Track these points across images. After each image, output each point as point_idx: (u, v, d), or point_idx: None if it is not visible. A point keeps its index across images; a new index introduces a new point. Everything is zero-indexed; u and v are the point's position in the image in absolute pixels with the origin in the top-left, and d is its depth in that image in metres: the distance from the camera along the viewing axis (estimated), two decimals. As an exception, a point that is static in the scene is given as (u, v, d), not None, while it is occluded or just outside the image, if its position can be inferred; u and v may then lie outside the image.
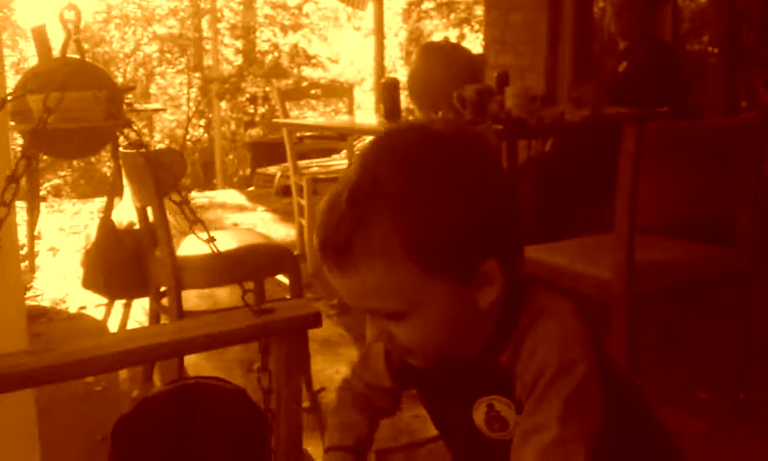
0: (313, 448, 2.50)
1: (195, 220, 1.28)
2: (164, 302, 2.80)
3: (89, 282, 3.26)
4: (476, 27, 11.38)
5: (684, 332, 3.08)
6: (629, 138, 2.17)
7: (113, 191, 3.30)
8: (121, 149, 2.88)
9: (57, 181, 11.26)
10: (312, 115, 11.02)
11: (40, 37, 3.94)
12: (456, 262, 0.94)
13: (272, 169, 7.65)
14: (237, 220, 6.12)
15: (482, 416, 1.05)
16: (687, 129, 2.42)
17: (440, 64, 3.41)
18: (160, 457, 1.64)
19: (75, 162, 10.82)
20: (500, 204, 0.96)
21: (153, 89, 12.39)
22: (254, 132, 11.52)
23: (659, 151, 2.25)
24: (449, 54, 3.54)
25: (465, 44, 10.44)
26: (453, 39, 10.82)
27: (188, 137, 11.91)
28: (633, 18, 3.53)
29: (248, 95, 11.82)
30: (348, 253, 0.93)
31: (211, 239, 1.28)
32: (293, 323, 1.25)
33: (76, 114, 3.50)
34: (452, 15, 12.07)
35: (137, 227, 2.92)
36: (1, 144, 1.52)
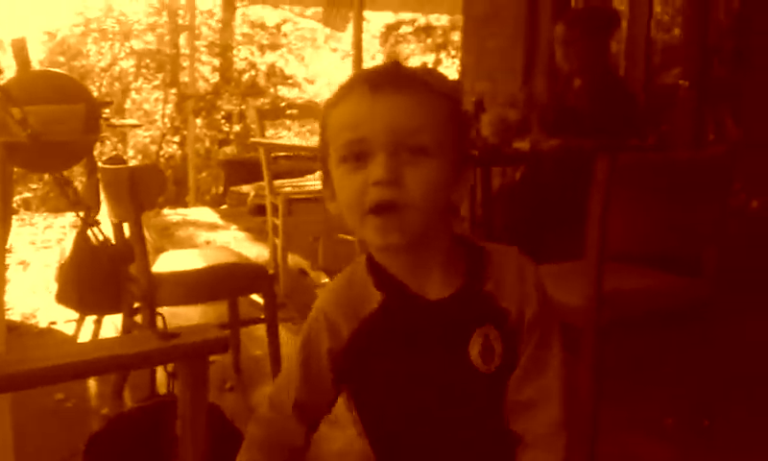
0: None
1: (77, 201, 1.27)
2: (137, 319, 2.80)
3: (63, 297, 3.25)
4: (453, 53, 11.51)
5: (653, 361, 3.13)
6: (601, 169, 2.22)
7: (89, 206, 3.29)
8: (100, 164, 2.88)
9: (27, 195, 11.16)
10: (287, 135, 11.05)
11: (19, 50, 3.94)
12: (464, 137, 1.11)
13: (245, 188, 7.66)
14: (210, 238, 6.11)
15: (478, 349, 1.09)
16: (657, 161, 2.48)
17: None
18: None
19: (46, 176, 10.73)
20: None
21: (128, 105, 12.34)
22: (228, 150, 11.52)
23: (629, 181, 2.31)
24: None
25: (441, 69, 10.55)
26: (430, 64, 10.93)
27: (162, 154, 11.88)
28: (582, 53, 3.42)
29: (223, 113, 11.83)
30: (413, 76, 1.05)
31: (95, 223, 1.27)
32: (197, 348, 1.25)
33: (54, 127, 3.51)
34: (429, 40, 12.19)
35: (113, 243, 2.92)
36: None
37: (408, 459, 1.16)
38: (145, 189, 2.54)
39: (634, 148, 3.17)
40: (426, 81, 1.06)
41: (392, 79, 1.05)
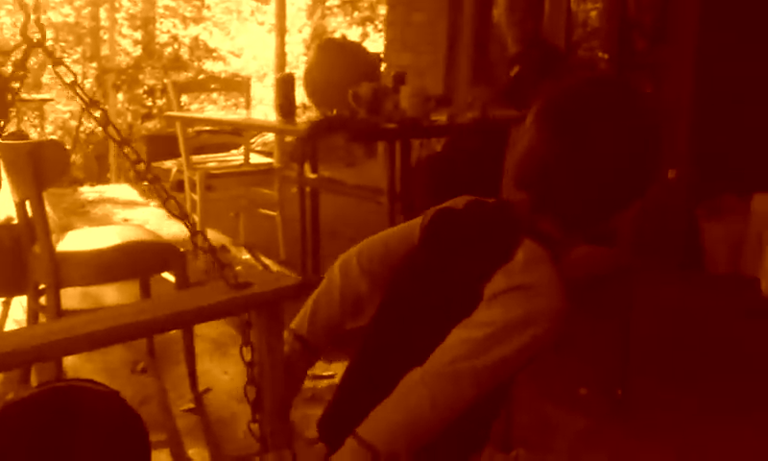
0: (196, 451, 2.45)
1: (168, 197, 1.31)
2: (42, 300, 2.69)
3: (-37, 279, 3.10)
4: (379, 26, 11.43)
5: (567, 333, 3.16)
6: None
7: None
8: (-2, 140, 2.75)
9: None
10: (213, 109, 10.83)
11: None
12: None
13: (168, 163, 7.47)
14: (128, 215, 5.95)
15: None
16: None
17: (336, 61, 3.38)
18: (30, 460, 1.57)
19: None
20: None
21: (45, 79, 11.92)
22: (151, 124, 11.23)
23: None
24: (346, 51, 3.51)
25: (368, 43, 10.49)
26: (356, 38, 10.85)
27: (82, 129, 11.52)
28: (532, 24, 3.60)
29: (146, 87, 11.52)
30: None
31: (184, 215, 1.32)
32: (272, 295, 1.29)
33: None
34: (356, 13, 12.09)
35: (15, 222, 2.79)
36: None
37: None
38: (46, 166, 2.42)
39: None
40: None
41: None
